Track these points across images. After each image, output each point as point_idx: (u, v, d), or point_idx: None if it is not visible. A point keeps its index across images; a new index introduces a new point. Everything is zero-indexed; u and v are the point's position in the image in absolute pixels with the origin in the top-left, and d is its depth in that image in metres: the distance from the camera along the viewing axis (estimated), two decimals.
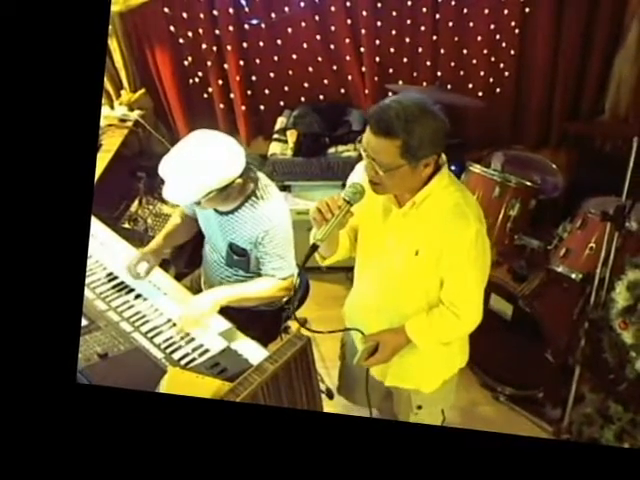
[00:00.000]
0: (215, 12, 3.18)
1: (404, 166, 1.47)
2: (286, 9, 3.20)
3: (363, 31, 3.25)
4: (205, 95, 3.42)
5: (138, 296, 2.05)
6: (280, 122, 3.32)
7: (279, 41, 3.29)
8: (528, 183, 2.62)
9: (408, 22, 3.28)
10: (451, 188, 1.60)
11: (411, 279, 1.67)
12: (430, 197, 1.58)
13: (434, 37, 3.31)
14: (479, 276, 1.66)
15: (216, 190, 1.85)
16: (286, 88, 3.41)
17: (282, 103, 3.44)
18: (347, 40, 3.26)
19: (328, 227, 1.51)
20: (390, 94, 3.17)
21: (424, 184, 1.57)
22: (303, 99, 3.41)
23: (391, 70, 3.35)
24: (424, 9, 3.24)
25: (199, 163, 1.83)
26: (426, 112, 1.45)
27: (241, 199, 1.97)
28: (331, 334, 2.08)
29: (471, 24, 3.30)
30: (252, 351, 1.84)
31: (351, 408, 2.18)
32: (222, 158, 1.85)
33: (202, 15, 3.19)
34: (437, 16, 3.27)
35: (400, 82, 3.32)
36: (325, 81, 3.37)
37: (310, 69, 3.35)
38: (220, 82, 3.35)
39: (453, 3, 3.23)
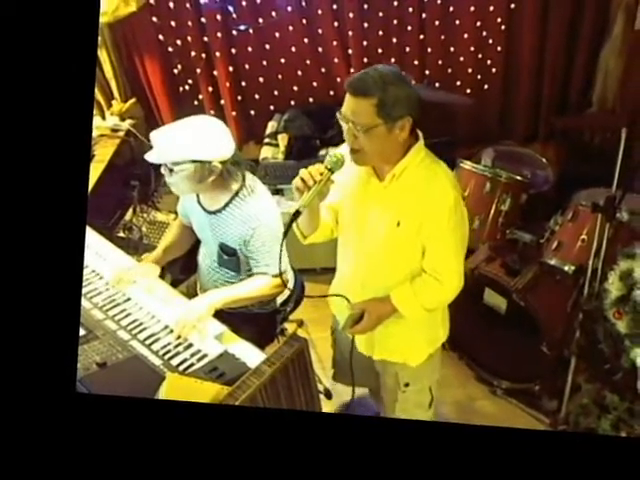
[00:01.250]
0: (203, 19, 3.21)
1: (380, 126, 1.55)
2: (273, 14, 3.23)
3: (350, 33, 3.28)
4: (196, 102, 3.45)
5: (135, 304, 2.04)
6: (271, 126, 3.36)
7: (267, 46, 3.32)
8: (518, 178, 2.64)
9: (395, 22, 3.32)
10: (427, 160, 1.68)
11: (394, 250, 1.73)
12: (408, 168, 1.65)
13: (421, 36, 3.35)
14: (459, 242, 1.73)
15: (192, 161, 1.86)
16: (276, 92, 3.45)
17: (272, 107, 3.47)
18: (335, 42, 3.29)
19: (310, 194, 1.58)
20: None
21: (402, 156, 1.64)
22: (293, 102, 3.44)
23: None
24: (410, 9, 3.28)
25: (185, 130, 1.89)
26: (400, 78, 1.56)
27: (229, 196, 1.99)
28: (326, 335, 2.14)
29: (457, 22, 3.34)
30: (249, 354, 1.84)
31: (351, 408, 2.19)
32: (209, 133, 1.90)
33: (190, 23, 3.22)
34: (423, 15, 3.31)
35: None
36: (314, 84, 3.40)
37: (299, 72, 3.39)
38: (210, 89, 3.39)
39: (439, 2, 3.27)
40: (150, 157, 1.90)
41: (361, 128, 1.55)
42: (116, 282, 2.10)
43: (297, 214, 1.59)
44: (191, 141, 1.86)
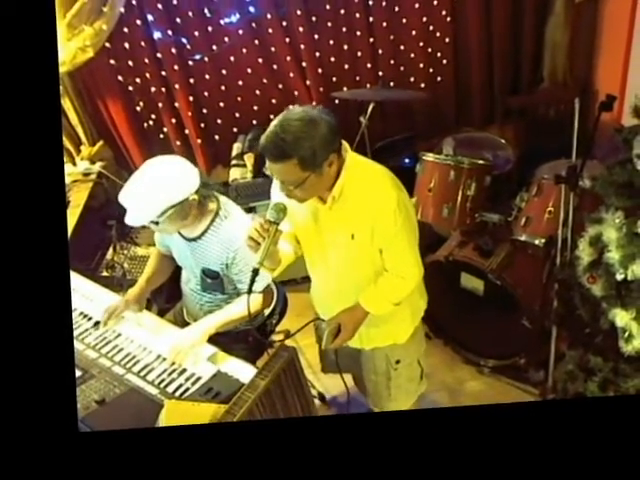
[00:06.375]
0: (159, 55, 3.28)
1: (310, 176, 1.58)
2: (226, 39, 3.30)
3: (302, 46, 3.37)
4: (161, 135, 3.51)
5: (126, 339, 2.09)
6: (236, 148, 3.43)
7: (224, 71, 3.39)
8: (480, 162, 2.70)
9: (344, 30, 3.40)
10: (361, 170, 1.71)
11: (355, 260, 1.80)
12: (346, 186, 1.69)
13: (371, 39, 3.44)
14: (410, 236, 1.78)
15: (172, 207, 1.90)
16: (237, 114, 3.51)
17: (235, 129, 3.54)
18: (288, 58, 3.37)
19: (263, 250, 1.63)
20: (337, 102, 3.29)
21: (336, 178, 1.68)
22: (255, 122, 3.50)
23: (334, 79, 3.46)
24: (357, 14, 3.36)
25: (152, 183, 1.90)
26: (308, 124, 1.54)
27: (207, 222, 2.03)
28: (313, 342, 2.19)
29: (404, 20, 3.43)
30: (242, 370, 1.88)
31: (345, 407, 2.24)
32: (174, 175, 1.93)
33: (147, 60, 3.29)
34: (371, 19, 3.40)
35: (345, 88, 3.42)
36: (273, 101, 3.47)
37: (257, 92, 3.46)
38: (173, 120, 3.45)
39: (384, 4, 3.36)
40: (131, 221, 1.93)
41: (292, 184, 1.59)
42: (106, 320, 2.14)
43: (256, 271, 1.67)
44: (163, 191, 1.89)
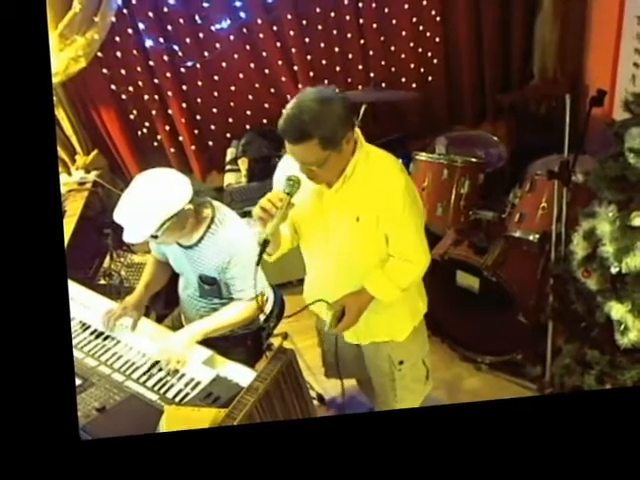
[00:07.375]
0: (151, 62, 3.29)
1: (330, 155, 1.60)
2: (217, 45, 3.31)
3: (293, 50, 3.38)
4: (155, 143, 3.52)
5: (125, 346, 2.10)
6: (230, 153, 3.44)
7: (216, 77, 3.40)
8: (473, 159, 2.71)
9: (334, 32, 3.41)
10: (371, 154, 1.74)
11: (359, 244, 1.79)
12: (357, 167, 1.70)
13: (361, 41, 3.45)
14: (417, 221, 1.79)
15: (169, 219, 1.92)
16: (230, 120, 3.52)
17: (229, 135, 3.54)
18: (280, 62, 3.39)
19: (275, 221, 1.62)
20: None
21: (349, 158, 1.69)
22: (248, 127, 3.52)
23: (326, 81, 3.45)
24: (347, 17, 3.37)
25: (145, 199, 1.92)
26: (324, 102, 1.56)
27: (203, 229, 2.05)
28: (311, 343, 2.21)
29: (394, 21, 3.44)
30: (241, 374, 1.89)
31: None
32: (166, 187, 1.94)
33: (139, 68, 3.30)
34: (361, 21, 3.41)
35: (336, 90, 3.43)
36: (266, 105, 3.48)
37: (250, 97, 3.47)
38: (167, 128, 3.46)
39: (374, 5, 3.37)
40: (130, 238, 1.94)
41: (314, 165, 1.60)
42: (107, 327, 2.15)
43: (266, 243, 1.63)
44: (158, 205, 1.90)
